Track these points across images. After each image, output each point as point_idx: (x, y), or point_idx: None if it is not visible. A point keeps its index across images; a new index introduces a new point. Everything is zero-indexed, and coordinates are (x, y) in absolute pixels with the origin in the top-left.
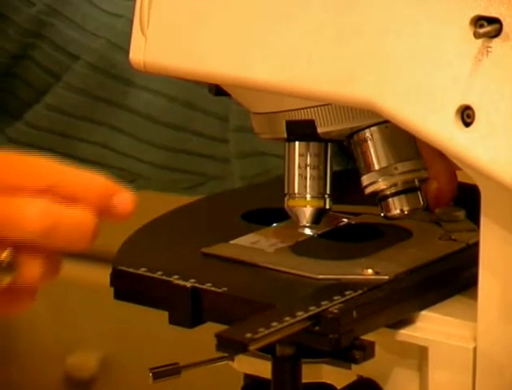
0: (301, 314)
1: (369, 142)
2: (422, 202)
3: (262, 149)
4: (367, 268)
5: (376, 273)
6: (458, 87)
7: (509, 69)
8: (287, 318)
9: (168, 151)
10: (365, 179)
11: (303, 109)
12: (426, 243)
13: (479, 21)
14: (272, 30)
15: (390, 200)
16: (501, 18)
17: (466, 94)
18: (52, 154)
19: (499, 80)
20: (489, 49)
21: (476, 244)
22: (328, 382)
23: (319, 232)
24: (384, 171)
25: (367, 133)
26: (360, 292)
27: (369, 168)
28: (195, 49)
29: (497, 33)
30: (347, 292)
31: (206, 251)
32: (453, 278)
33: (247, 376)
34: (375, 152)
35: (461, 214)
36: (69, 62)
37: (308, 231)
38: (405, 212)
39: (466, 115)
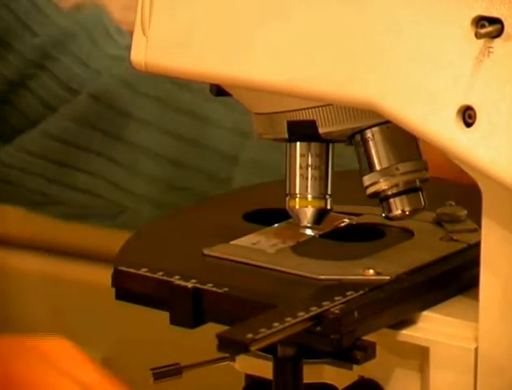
0: (302, 315)
1: (370, 142)
2: (423, 203)
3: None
4: (368, 268)
5: (377, 273)
6: (459, 87)
7: (511, 69)
8: (288, 319)
9: (163, 186)
10: (366, 180)
11: (304, 109)
12: (427, 243)
13: (480, 21)
14: (273, 30)
15: (391, 200)
16: (503, 18)
17: (468, 94)
18: (43, 181)
19: (500, 80)
20: (491, 50)
21: (478, 245)
22: (330, 382)
23: (320, 233)
24: (385, 172)
25: (368, 134)
26: (361, 292)
27: (370, 169)
28: (196, 49)
29: (499, 33)
30: (348, 293)
31: (206, 252)
32: (455, 278)
33: (248, 376)
34: (377, 152)
35: (462, 214)
36: (69, 96)
37: (309, 232)
38: (407, 212)
39: (467, 116)
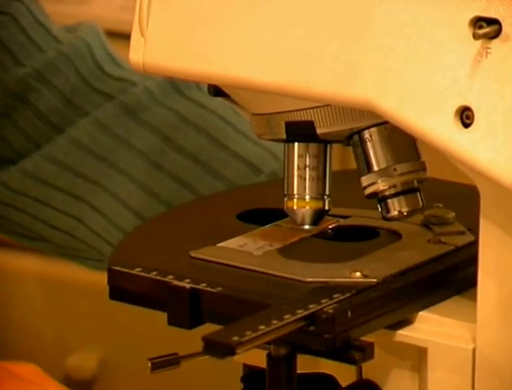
0: (288, 317)
1: (368, 143)
2: (421, 203)
3: None
4: (355, 271)
5: (364, 276)
6: (458, 88)
7: (509, 70)
8: (274, 322)
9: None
10: (364, 180)
11: (302, 110)
12: (415, 245)
13: (478, 22)
14: (271, 31)
15: (389, 201)
16: (501, 19)
17: (466, 95)
18: (25, 217)
19: (498, 80)
20: (489, 50)
21: (465, 247)
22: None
23: (308, 235)
24: (383, 172)
25: (366, 134)
26: (348, 294)
27: (368, 169)
28: (194, 49)
29: (497, 34)
30: (335, 296)
31: (193, 254)
32: (442, 280)
33: (246, 366)
34: (375, 153)
35: (450, 216)
36: (51, 132)
37: (297, 234)
38: (405, 213)
39: (465, 116)
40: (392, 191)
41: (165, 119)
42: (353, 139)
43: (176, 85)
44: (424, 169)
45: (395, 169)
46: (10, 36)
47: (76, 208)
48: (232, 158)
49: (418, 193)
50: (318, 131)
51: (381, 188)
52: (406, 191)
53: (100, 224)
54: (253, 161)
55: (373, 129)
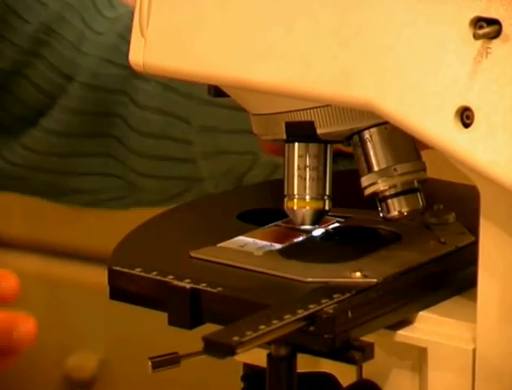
0: (288, 317)
1: (368, 143)
2: (421, 203)
3: (223, 148)
4: (355, 271)
5: (364, 276)
6: (458, 88)
7: (509, 70)
8: (275, 322)
9: (152, 160)
10: (364, 181)
11: (302, 110)
12: (415, 246)
13: (478, 22)
14: (271, 31)
15: (389, 201)
16: (501, 19)
17: (466, 95)
18: (51, 176)
19: (498, 81)
20: (489, 51)
21: (465, 247)
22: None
23: (308, 235)
24: (383, 173)
25: (366, 134)
26: (348, 295)
27: (368, 169)
28: (194, 50)
29: (497, 34)
30: (335, 296)
31: (193, 254)
32: (443, 281)
33: (246, 365)
34: (375, 153)
35: (450, 217)
36: (63, 82)
37: (297, 234)
38: (405, 213)
39: (465, 116)
40: (392, 191)
41: None
42: (353, 139)
43: None
44: (424, 169)
45: (395, 169)
46: None
47: (103, 146)
48: None
49: (418, 193)
50: (319, 131)
51: (381, 188)
52: (406, 191)
53: (123, 153)
54: None
55: (373, 129)
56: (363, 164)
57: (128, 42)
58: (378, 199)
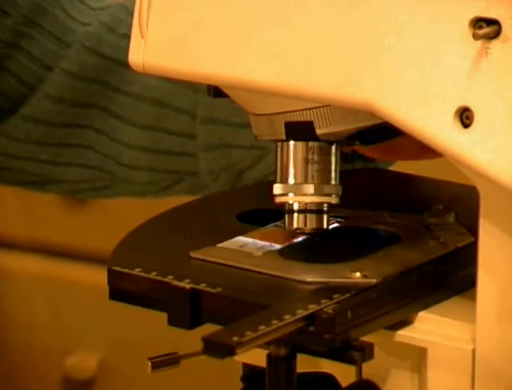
0: (288, 318)
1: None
2: (325, 225)
3: (227, 142)
4: (355, 271)
5: (364, 276)
6: (457, 88)
7: (509, 70)
8: (274, 322)
9: (143, 151)
10: (277, 188)
11: (302, 110)
12: (414, 246)
13: (478, 22)
14: (271, 31)
15: (295, 215)
16: (500, 19)
17: (465, 96)
18: (32, 163)
19: (498, 81)
20: (488, 51)
21: (465, 248)
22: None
23: (307, 235)
24: (297, 188)
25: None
26: (348, 295)
27: (286, 179)
28: (194, 50)
29: (496, 34)
30: (335, 296)
31: (193, 254)
32: (443, 281)
33: (246, 365)
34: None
35: (450, 217)
36: (45, 73)
37: (296, 234)
38: (306, 231)
39: (465, 117)
40: (301, 207)
41: None
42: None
43: None
44: (339, 194)
45: (311, 188)
46: None
47: (83, 137)
48: None
49: (325, 215)
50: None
51: (290, 201)
52: (315, 211)
53: (106, 145)
54: None
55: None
56: (283, 171)
57: (115, 33)
58: (286, 210)
